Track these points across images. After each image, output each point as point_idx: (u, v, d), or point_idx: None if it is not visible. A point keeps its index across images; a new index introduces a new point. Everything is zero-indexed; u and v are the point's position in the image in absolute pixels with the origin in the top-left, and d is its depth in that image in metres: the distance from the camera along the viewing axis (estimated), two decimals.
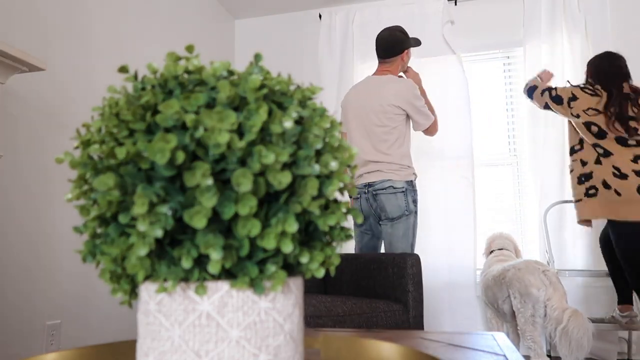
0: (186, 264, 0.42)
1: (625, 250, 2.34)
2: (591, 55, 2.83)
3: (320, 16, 3.60)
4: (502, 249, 2.74)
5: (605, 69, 2.49)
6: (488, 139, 3.38)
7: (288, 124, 0.44)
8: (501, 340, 0.87)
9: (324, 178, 0.47)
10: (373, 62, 3.35)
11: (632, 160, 2.29)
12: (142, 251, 0.41)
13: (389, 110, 2.37)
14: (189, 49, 0.49)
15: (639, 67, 2.93)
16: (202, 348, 0.42)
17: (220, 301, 0.43)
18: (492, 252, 2.77)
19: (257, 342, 0.44)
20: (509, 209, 3.30)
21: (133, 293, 0.49)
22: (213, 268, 0.41)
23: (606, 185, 2.30)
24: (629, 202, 2.26)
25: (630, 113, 2.34)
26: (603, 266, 2.81)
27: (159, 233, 0.41)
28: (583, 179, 2.41)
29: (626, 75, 2.48)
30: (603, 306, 2.85)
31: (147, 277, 0.46)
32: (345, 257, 2.30)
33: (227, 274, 0.44)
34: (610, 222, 2.37)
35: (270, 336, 0.45)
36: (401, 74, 2.60)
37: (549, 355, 2.70)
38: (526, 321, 2.25)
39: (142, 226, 0.41)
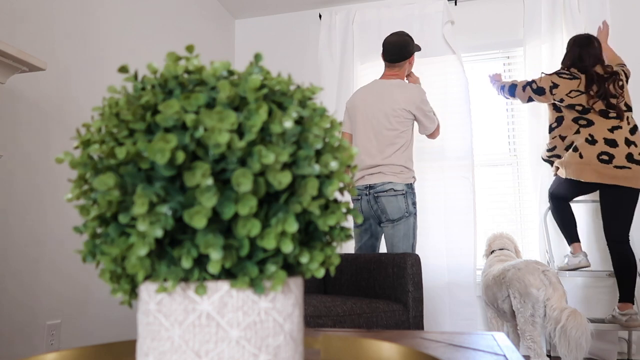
0: (186, 264, 0.42)
1: (556, 189, 2.65)
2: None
3: (320, 16, 3.60)
4: (502, 249, 2.75)
5: (583, 52, 2.65)
6: (488, 139, 3.38)
7: (288, 124, 0.44)
8: (501, 340, 0.87)
9: (324, 178, 0.47)
10: (372, 63, 3.37)
11: (608, 130, 2.47)
12: (142, 251, 0.41)
13: (401, 114, 2.42)
14: (189, 49, 0.49)
15: (639, 67, 2.94)
16: (202, 348, 0.42)
17: (220, 301, 0.43)
18: (492, 252, 2.77)
19: (257, 342, 0.44)
20: (509, 209, 3.30)
21: (133, 293, 0.49)
22: (213, 268, 0.41)
23: (575, 148, 2.52)
24: (586, 164, 2.46)
25: (612, 91, 2.52)
26: (603, 266, 2.82)
27: (159, 233, 0.41)
28: (550, 148, 2.68)
29: (601, 60, 2.64)
30: (603, 306, 2.85)
31: (147, 277, 0.46)
32: (345, 257, 2.31)
33: (227, 274, 0.44)
34: (568, 180, 2.57)
35: (270, 336, 0.45)
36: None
37: (548, 355, 2.70)
38: (526, 321, 2.25)
39: (142, 226, 0.41)
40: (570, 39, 2.76)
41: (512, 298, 2.31)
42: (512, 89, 2.81)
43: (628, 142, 2.45)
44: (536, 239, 3.09)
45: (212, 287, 0.43)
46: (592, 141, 2.48)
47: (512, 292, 2.31)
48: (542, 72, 2.82)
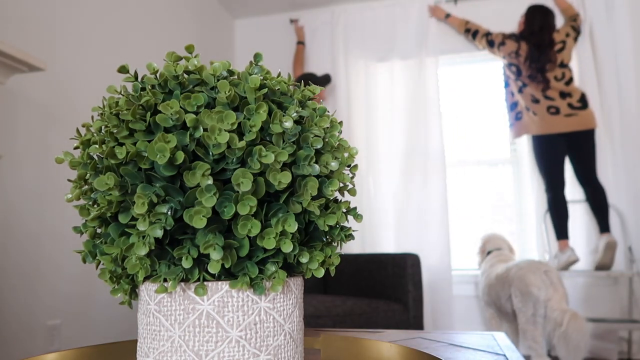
0: (186, 264, 0.42)
1: (538, 158, 2.94)
2: (594, 57, 3.02)
3: (290, 21, 3.62)
4: (499, 248, 2.76)
5: (536, 22, 2.97)
6: (488, 138, 3.38)
7: (288, 123, 0.44)
8: (501, 340, 0.87)
9: (324, 178, 0.47)
10: (369, 63, 3.38)
11: (541, 90, 2.88)
12: (142, 251, 0.41)
13: None
14: (189, 49, 0.49)
15: None
16: (202, 348, 0.42)
17: (220, 301, 0.43)
18: (489, 252, 2.77)
19: (257, 342, 0.44)
20: (509, 208, 3.30)
21: (133, 293, 0.49)
22: (213, 268, 0.41)
23: (527, 109, 2.93)
24: (542, 119, 2.86)
25: (549, 58, 2.88)
26: None
27: (159, 233, 0.41)
28: (512, 107, 3.05)
29: (552, 29, 2.95)
30: (603, 306, 2.85)
31: (147, 277, 0.46)
32: (345, 257, 2.31)
33: (227, 274, 0.44)
34: (532, 137, 2.95)
35: (270, 336, 0.45)
36: None
37: (549, 355, 2.70)
38: (527, 320, 2.25)
39: (142, 226, 0.41)
40: (531, 9, 2.99)
41: (513, 297, 2.32)
42: (474, 35, 3.20)
43: (563, 95, 2.83)
44: (536, 239, 3.09)
45: (212, 287, 0.43)
46: (535, 100, 2.86)
47: (513, 291, 2.32)
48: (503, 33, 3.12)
